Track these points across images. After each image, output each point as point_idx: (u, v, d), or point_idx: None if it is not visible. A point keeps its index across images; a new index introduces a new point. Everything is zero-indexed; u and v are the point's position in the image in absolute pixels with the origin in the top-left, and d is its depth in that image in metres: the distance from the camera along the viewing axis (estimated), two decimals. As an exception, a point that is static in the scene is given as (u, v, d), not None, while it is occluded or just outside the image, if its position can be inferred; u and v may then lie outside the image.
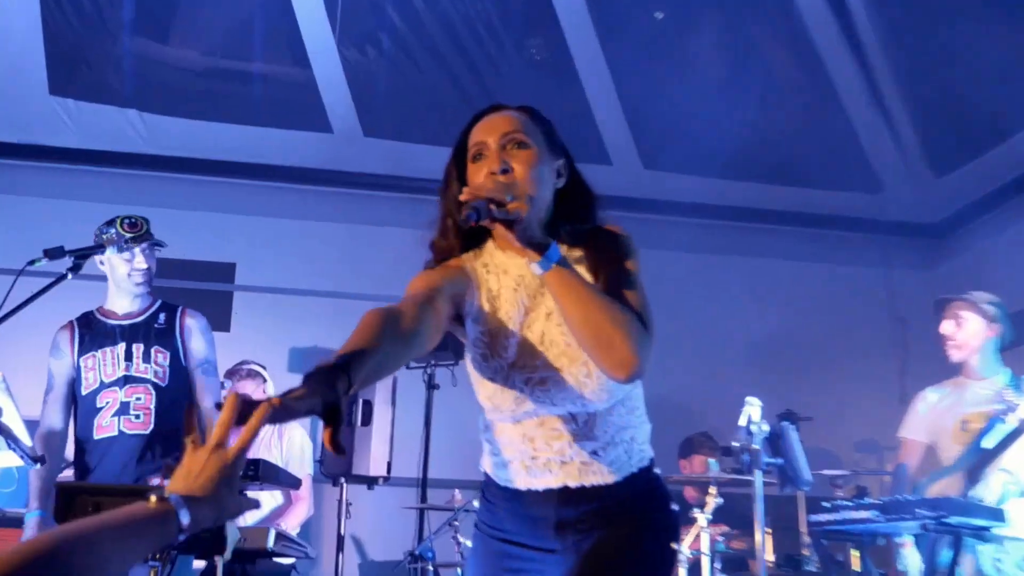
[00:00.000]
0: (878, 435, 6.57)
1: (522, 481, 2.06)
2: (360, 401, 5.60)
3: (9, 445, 3.38)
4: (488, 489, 2.17)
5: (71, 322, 3.96)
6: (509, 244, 1.99)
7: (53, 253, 3.59)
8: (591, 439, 2.00)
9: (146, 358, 3.84)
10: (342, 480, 5.56)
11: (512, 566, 2.10)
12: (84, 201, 6.40)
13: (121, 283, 3.92)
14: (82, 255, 3.64)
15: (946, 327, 4.21)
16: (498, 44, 7.18)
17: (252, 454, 5.14)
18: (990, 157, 6.60)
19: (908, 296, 5.35)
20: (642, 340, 1.84)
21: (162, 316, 3.96)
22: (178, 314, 3.98)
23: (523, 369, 2.00)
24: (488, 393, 2.04)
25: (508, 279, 2.06)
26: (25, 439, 3.41)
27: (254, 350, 5.85)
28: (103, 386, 3.82)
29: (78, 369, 3.87)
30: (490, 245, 2.11)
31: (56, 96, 6.73)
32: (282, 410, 1.46)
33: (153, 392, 3.83)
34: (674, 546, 2.07)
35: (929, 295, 4.36)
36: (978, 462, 3.85)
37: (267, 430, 5.40)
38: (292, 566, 5.13)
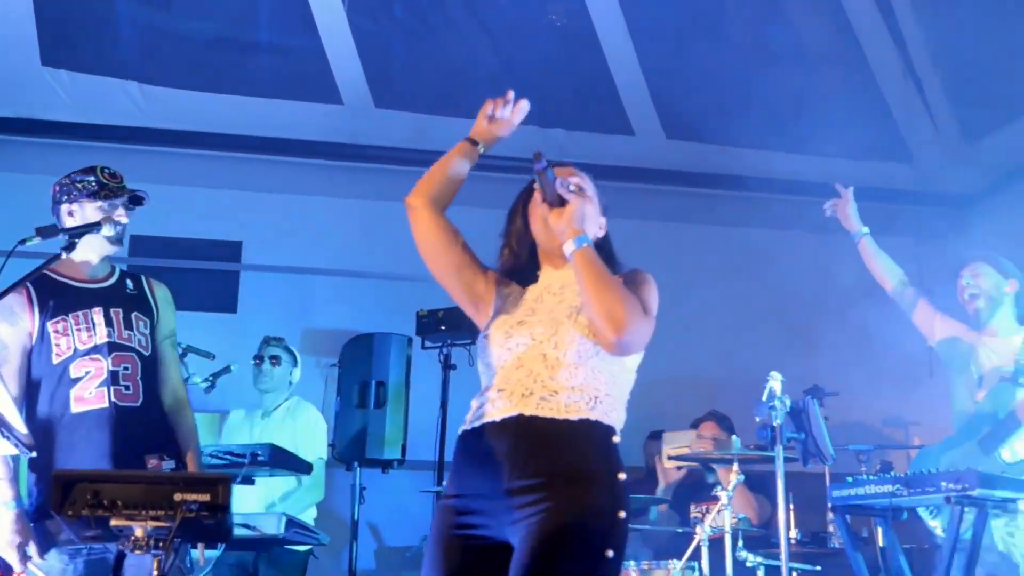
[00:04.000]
0: (905, 410, 6.74)
1: (485, 415, 2.44)
2: (374, 383, 5.83)
3: (2, 433, 3.20)
4: (456, 451, 2.51)
5: (22, 283, 3.54)
6: (552, 246, 2.58)
7: (46, 231, 3.48)
8: (555, 378, 2.42)
9: (128, 324, 3.71)
10: (355, 464, 5.80)
11: (460, 521, 2.39)
12: (81, 177, 6.57)
13: (93, 240, 3.66)
14: (78, 233, 3.53)
15: (964, 278, 4.39)
16: (517, 9, 7.31)
17: (265, 439, 5.40)
18: (1019, 126, 6.80)
19: (938, 267, 5.53)
20: (638, 316, 2.42)
21: (129, 282, 3.83)
22: (144, 282, 3.88)
23: (521, 323, 2.55)
24: (489, 331, 2.58)
25: (540, 283, 2.65)
26: (19, 426, 3.25)
27: (262, 332, 5.96)
28: (79, 353, 3.61)
29: (43, 335, 3.62)
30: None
31: (48, 67, 6.77)
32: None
33: (139, 362, 3.70)
34: (622, 515, 2.33)
35: (959, 266, 4.54)
36: (993, 432, 4.05)
37: (279, 414, 5.66)
38: (309, 552, 5.35)
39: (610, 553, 2.28)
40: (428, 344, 6.54)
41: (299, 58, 7.23)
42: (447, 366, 6.44)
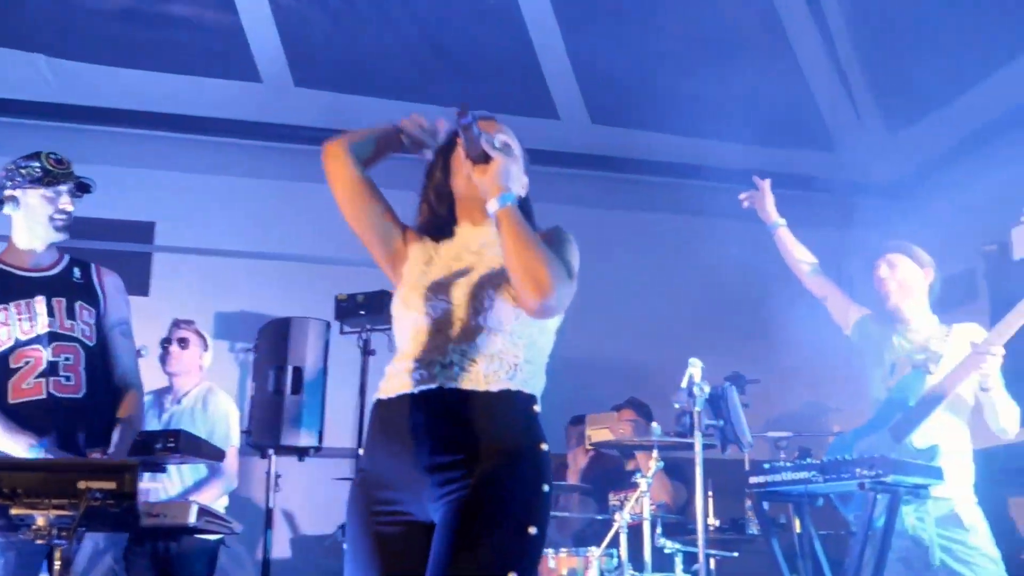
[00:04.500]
0: (825, 397, 6.91)
1: (403, 385, 2.38)
2: (290, 368, 5.77)
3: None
4: (370, 418, 2.47)
5: None
6: (473, 202, 2.55)
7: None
8: (474, 346, 2.38)
9: (70, 314, 3.70)
10: (271, 452, 5.73)
11: (380, 496, 2.36)
12: (-15, 154, 6.40)
13: (37, 227, 3.71)
14: None
15: (881, 271, 4.47)
16: (445, -6, 7.30)
17: (175, 425, 5.32)
18: (942, 115, 6.99)
19: (859, 256, 5.65)
20: (562, 279, 2.36)
21: (77, 271, 3.82)
22: (93, 270, 3.86)
23: (439, 284, 2.49)
24: (403, 295, 2.52)
25: (458, 240, 2.60)
26: None
27: (175, 315, 5.87)
28: (20, 343, 3.60)
29: None
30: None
31: (-48, 39, 6.59)
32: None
33: (82, 352, 3.69)
34: (545, 488, 2.33)
35: (875, 257, 4.63)
36: (904, 419, 4.15)
37: (190, 400, 5.58)
38: (220, 541, 5.29)
39: (533, 530, 2.26)
40: (347, 329, 6.50)
41: (217, 34, 7.12)
42: (366, 352, 6.41)
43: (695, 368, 4.22)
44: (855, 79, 7.46)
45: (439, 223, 2.63)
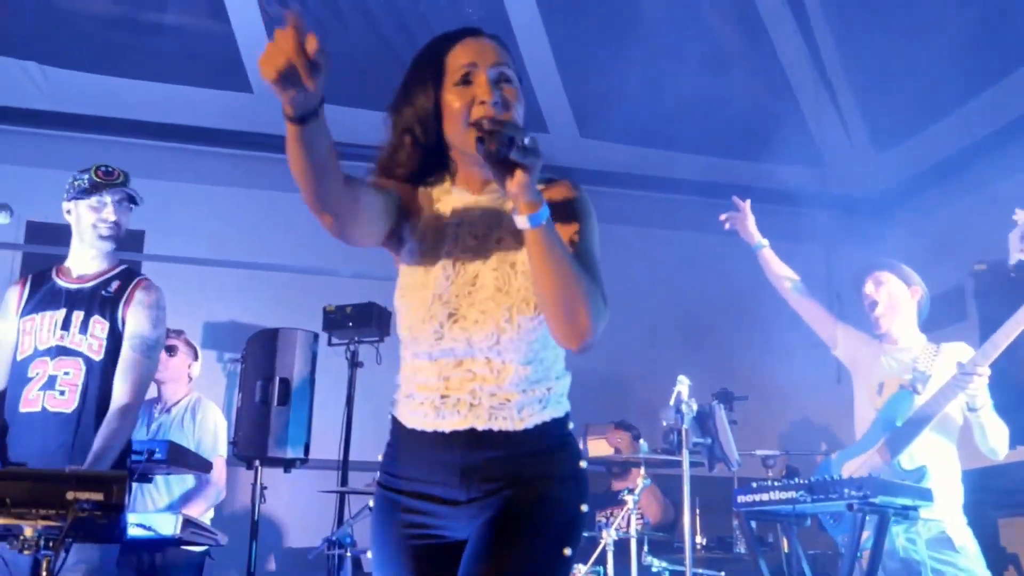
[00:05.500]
0: (813, 415, 6.92)
1: (430, 422, 2.18)
2: (277, 379, 5.77)
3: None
4: (394, 437, 2.28)
5: (25, 278, 3.87)
6: (473, 182, 2.24)
7: None
8: (504, 387, 2.16)
9: (83, 328, 3.71)
10: (257, 463, 5.72)
11: (414, 520, 2.20)
12: (-23, 161, 6.35)
13: (85, 236, 3.79)
14: None
15: (868, 288, 4.49)
16: (431, 2, 7.31)
17: (163, 435, 5.31)
18: (929, 134, 7.04)
19: (846, 273, 5.69)
20: (601, 316, 2.08)
21: (114, 284, 3.81)
22: (132, 284, 3.83)
23: (447, 304, 2.17)
24: (409, 323, 2.20)
25: (456, 216, 2.23)
26: None
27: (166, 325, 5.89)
28: (37, 354, 3.68)
29: (18, 332, 3.74)
30: (446, 179, 2.29)
31: (-56, 46, 6.57)
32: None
33: (84, 367, 3.68)
34: (583, 508, 2.21)
35: (862, 275, 4.64)
36: (893, 440, 4.16)
37: (179, 410, 5.57)
38: (206, 553, 5.27)
39: (568, 551, 2.15)
40: (335, 341, 6.50)
41: (209, 43, 7.13)
42: (354, 363, 6.42)
43: (683, 385, 4.24)
44: (843, 97, 7.51)
45: (427, 169, 2.27)
